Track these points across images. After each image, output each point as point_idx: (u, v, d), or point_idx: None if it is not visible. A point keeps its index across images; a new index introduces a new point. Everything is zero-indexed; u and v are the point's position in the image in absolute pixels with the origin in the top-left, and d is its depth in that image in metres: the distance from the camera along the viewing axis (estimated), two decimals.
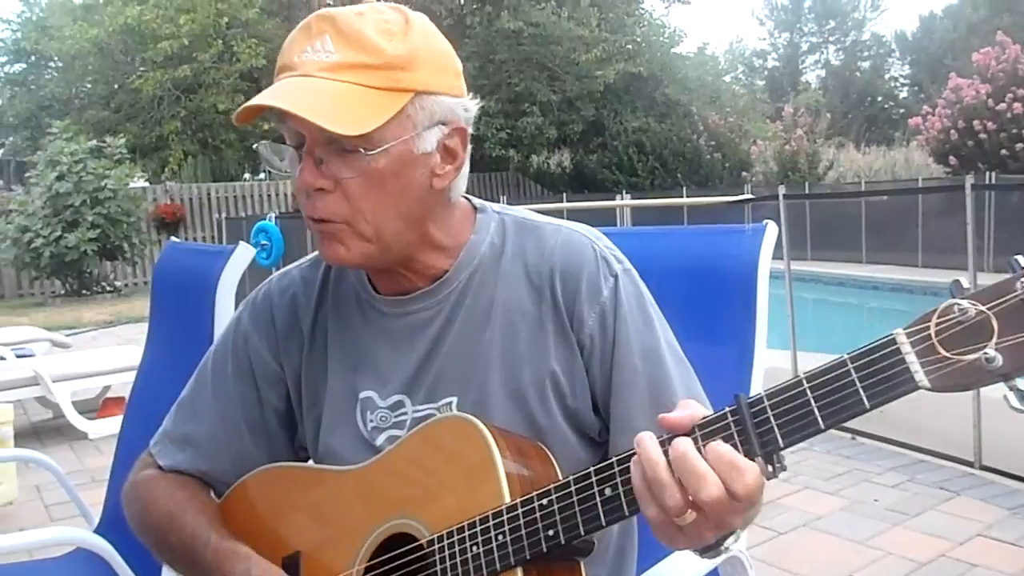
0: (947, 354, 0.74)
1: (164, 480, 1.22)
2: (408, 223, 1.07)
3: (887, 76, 39.50)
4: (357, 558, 1.07)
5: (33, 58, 20.00)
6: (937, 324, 0.75)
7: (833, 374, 0.79)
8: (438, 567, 0.99)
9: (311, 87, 0.98)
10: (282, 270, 1.27)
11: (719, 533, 0.86)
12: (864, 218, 12.85)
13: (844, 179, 19.05)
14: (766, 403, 0.82)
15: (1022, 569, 2.89)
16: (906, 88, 38.54)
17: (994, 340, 0.72)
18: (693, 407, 0.88)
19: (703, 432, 0.85)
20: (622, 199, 8.22)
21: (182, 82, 17.05)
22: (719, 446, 0.82)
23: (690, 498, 0.82)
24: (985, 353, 0.72)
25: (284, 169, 1.09)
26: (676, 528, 0.85)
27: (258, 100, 0.99)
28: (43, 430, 5.42)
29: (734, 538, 0.89)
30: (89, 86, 18.68)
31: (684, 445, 0.83)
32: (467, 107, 1.09)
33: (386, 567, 1.05)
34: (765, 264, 1.48)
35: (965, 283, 0.76)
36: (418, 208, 1.07)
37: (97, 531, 2.07)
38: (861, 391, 0.77)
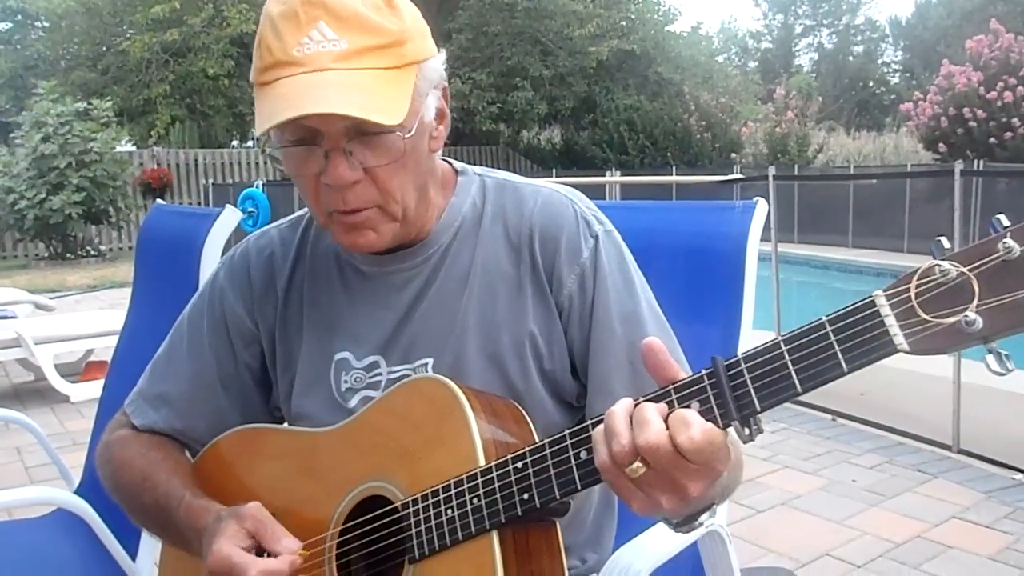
0: (927, 316, 0.72)
1: (138, 440, 1.21)
2: (421, 193, 1.08)
3: (880, 61, 39.51)
4: (332, 520, 1.07)
5: (19, 17, 19.70)
6: (917, 286, 0.73)
7: (811, 336, 0.78)
8: (413, 530, 0.99)
9: (336, 81, 0.95)
10: (261, 229, 1.26)
11: (676, 499, 0.83)
12: (852, 202, 12.88)
13: (833, 163, 19.07)
14: (743, 365, 0.81)
15: (995, 552, 2.93)
16: (898, 74, 38.57)
17: (975, 302, 0.71)
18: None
19: (679, 395, 0.84)
20: (612, 176, 8.20)
21: (171, 46, 16.84)
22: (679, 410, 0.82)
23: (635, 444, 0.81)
24: (965, 316, 0.71)
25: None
26: (629, 483, 0.83)
27: (292, 112, 0.93)
28: (24, 392, 5.40)
29: (709, 514, 0.89)
30: (76, 47, 18.41)
31: (645, 405, 0.83)
32: (442, 61, 1.08)
33: (361, 530, 1.05)
34: (754, 242, 1.48)
35: (946, 244, 0.74)
36: (426, 176, 1.08)
37: (77, 492, 2.07)
38: (839, 353, 0.76)
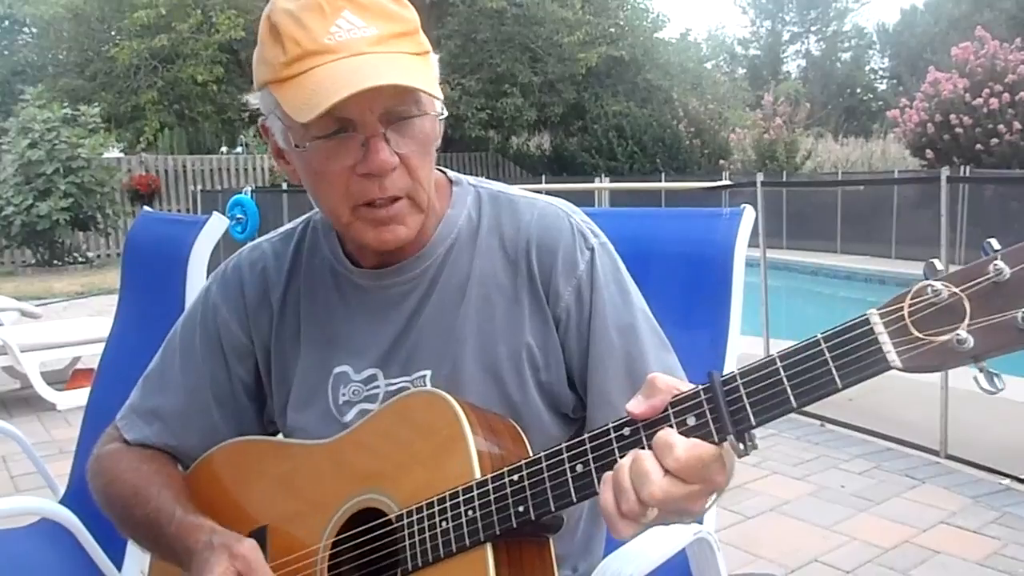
0: (919, 335, 0.74)
1: (129, 454, 1.20)
2: (431, 185, 1.09)
3: (867, 68, 39.74)
4: (325, 533, 1.06)
5: (7, 23, 19.62)
6: (911, 305, 0.75)
7: (806, 354, 0.79)
8: (407, 542, 0.99)
9: (377, 62, 0.96)
10: (252, 243, 1.25)
11: (685, 518, 0.85)
12: (840, 208, 12.93)
13: (821, 169, 19.18)
14: (739, 381, 0.82)
15: (983, 557, 2.93)
16: (885, 80, 38.80)
17: (966, 321, 0.72)
18: (661, 390, 0.86)
19: (676, 410, 0.84)
20: (601, 182, 8.21)
21: (159, 52, 16.80)
22: (660, 432, 0.82)
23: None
24: (957, 334, 0.72)
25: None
26: (642, 526, 0.84)
27: (349, 90, 0.92)
28: (10, 400, 5.35)
29: (714, 496, 0.90)
30: (64, 53, 18.35)
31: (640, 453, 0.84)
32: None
33: (354, 542, 1.04)
34: (742, 248, 1.48)
35: (939, 265, 0.76)
36: (432, 176, 1.09)
37: (62, 502, 2.05)
38: (834, 371, 0.77)
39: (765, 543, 3.09)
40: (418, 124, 1.02)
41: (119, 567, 1.82)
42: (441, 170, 1.17)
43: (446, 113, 1.05)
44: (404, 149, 1.01)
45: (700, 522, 1.32)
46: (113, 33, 17.69)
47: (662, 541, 1.23)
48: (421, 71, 0.99)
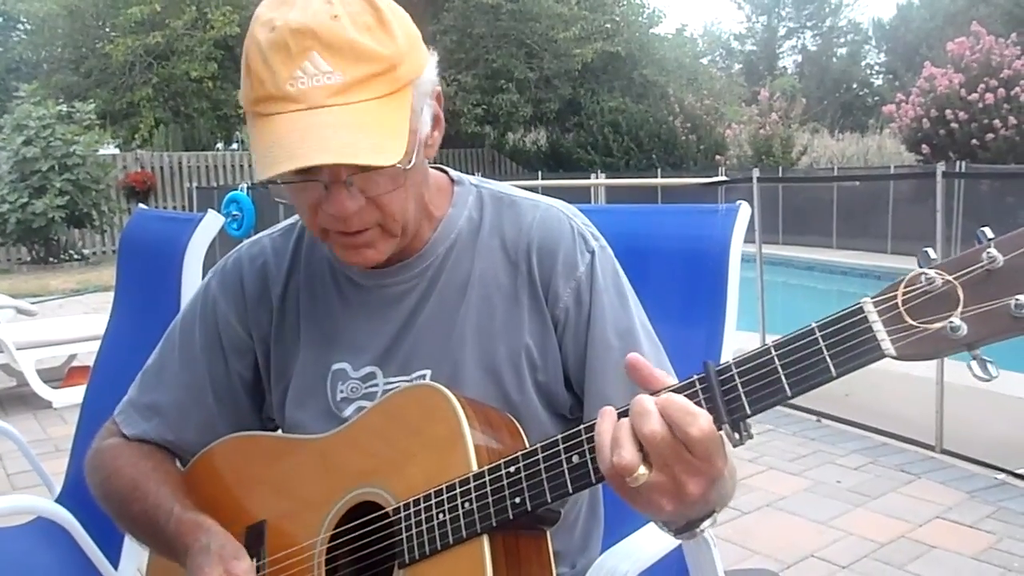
0: (913, 323, 0.74)
1: (128, 449, 1.21)
2: (418, 205, 1.08)
3: (863, 63, 39.75)
4: (323, 527, 1.07)
5: (1, 19, 19.55)
6: (904, 293, 0.75)
7: (801, 342, 0.79)
8: (404, 535, 0.99)
9: (333, 122, 0.91)
10: (252, 238, 1.25)
11: (676, 500, 0.83)
12: (836, 204, 12.96)
13: (817, 164, 19.17)
14: (734, 370, 0.82)
15: (978, 551, 2.94)
16: (881, 76, 38.81)
17: (959, 309, 0.73)
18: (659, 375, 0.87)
19: None
20: (597, 178, 8.21)
21: (154, 48, 16.74)
22: (672, 395, 0.82)
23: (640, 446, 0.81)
24: (950, 322, 0.72)
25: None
26: (631, 489, 0.83)
27: (293, 164, 0.90)
28: (6, 398, 5.34)
29: (710, 520, 0.90)
30: (58, 50, 18.29)
31: (642, 396, 0.83)
32: (434, 65, 1.05)
33: (352, 535, 1.05)
34: (737, 245, 1.48)
35: (932, 253, 0.76)
36: (423, 187, 1.09)
37: (58, 500, 2.05)
38: (828, 359, 0.77)
39: (761, 538, 3.10)
40: (388, 171, 0.97)
41: (115, 566, 1.82)
42: (444, 170, 1.17)
43: (423, 155, 1.03)
44: (372, 192, 1.00)
45: None
46: (108, 29, 17.63)
47: (658, 537, 1.23)
48: (384, 124, 0.94)
